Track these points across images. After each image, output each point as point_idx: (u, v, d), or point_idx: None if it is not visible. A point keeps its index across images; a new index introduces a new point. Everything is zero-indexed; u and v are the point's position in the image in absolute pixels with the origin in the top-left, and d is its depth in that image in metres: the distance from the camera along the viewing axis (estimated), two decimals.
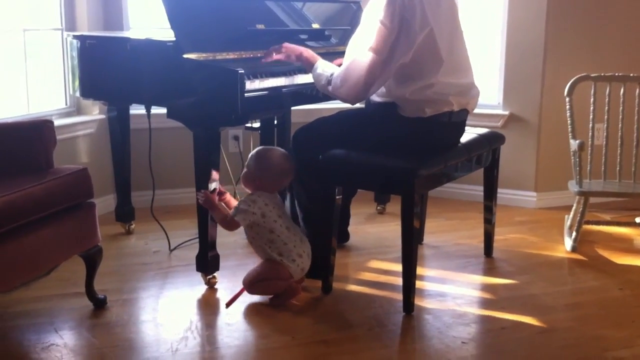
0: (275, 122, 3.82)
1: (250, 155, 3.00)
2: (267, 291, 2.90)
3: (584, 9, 4.11)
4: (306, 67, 3.05)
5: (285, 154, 3.02)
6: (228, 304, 2.87)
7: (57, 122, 3.24)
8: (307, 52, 3.06)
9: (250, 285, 2.90)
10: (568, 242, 3.57)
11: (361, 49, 2.81)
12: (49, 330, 2.64)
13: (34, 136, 2.81)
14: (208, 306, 2.91)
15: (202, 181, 2.94)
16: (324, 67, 2.97)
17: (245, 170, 2.99)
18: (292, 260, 2.88)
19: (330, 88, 2.92)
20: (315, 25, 3.55)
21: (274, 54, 3.05)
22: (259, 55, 3.12)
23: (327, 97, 3.22)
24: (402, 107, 2.88)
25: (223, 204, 2.99)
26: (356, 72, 2.81)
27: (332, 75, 2.90)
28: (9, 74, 3.69)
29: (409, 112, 2.88)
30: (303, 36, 3.44)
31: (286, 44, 3.07)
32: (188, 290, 3.03)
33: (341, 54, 3.37)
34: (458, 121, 3.01)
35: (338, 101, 3.17)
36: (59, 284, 3.00)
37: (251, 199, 2.89)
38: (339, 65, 3.15)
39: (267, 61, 3.05)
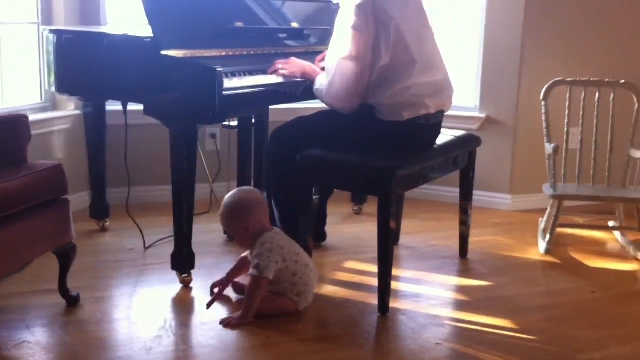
0: (253, 120, 3.81)
1: (223, 219, 2.84)
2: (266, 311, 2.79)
3: (562, 13, 4.15)
4: (310, 82, 3.11)
5: (240, 189, 2.95)
6: (209, 305, 2.84)
7: (32, 117, 3.20)
8: (310, 68, 3.13)
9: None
10: (542, 245, 3.60)
11: (340, 60, 2.83)
12: (21, 328, 2.61)
13: (8, 131, 2.77)
14: (183, 305, 2.89)
15: (178, 179, 2.92)
16: (321, 81, 3.02)
17: (232, 235, 2.86)
18: (306, 301, 2.80)
19: (325, 102, 2.99)
20: (295, 25, 3.54)
21: (280, 70, 3.10)
22: (237, 53, 3.12)
23: (305, 97, 3.23)
24: (380, 111, 2.90)
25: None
26: (343, 84, 2.86)
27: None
28: None
29: (386, 115, 2.89)
30: (282, 35, 3.44)
31: (292, 60, 3.13)
32: (163, 288, 3.01)
33: (320, 53, 3.38)
34: (435, 122, 3.04)
35: (316, 101, 3.18)
36: (31, 280, 2.96)
37: (266, 249, 2.72)
38: (322, 60, 3.18)
39: (271, 73, 3.09)
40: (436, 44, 3.05)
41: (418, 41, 2.90)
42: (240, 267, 2.94)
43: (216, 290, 2.92)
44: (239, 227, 2.80)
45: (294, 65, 3.11)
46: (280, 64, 3.11)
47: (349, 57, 2.81)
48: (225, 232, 3.62)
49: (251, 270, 2.72)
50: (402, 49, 2.84)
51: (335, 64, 2.88)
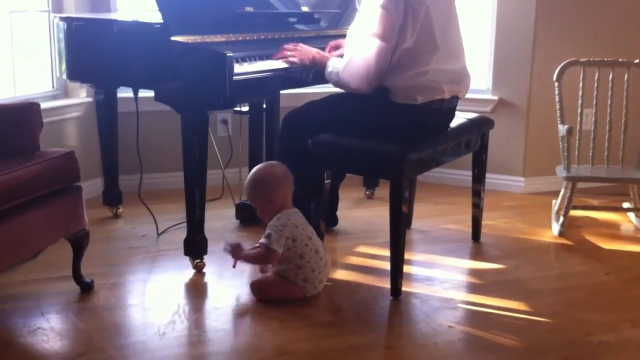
0: (264, 106, 3.80)
1: (248, 189, 2.83)
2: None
3: None
4: (320, 68, 3.06)
5: (270, 162, 2.93)
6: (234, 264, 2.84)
7: (44, 105, 3.21)
8: (319, 54, 3.09)
9: (260, 298, 2.79)
10: (555, 227, 3.58)
11: (365, 38, 2.80)
12: (35, 314, 2.63)
13: (20, 119, 2.78)
14: (196, 290, 2.90)
15: (190, 165, 2.93)
16: (334, 64, 2.97)
17: (254, 206, 2.82)
18: (313, 288, 2.79)
19: (341, 82, 2.94)
20: (305, 8, 3.52)
21: (288, 57, 3.06)
22: (247, 38, 3.11)
23: (316, 81, 3.21)
24: (394, 93, 2.88)
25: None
26: (364, 62, 2.82)
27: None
28: None
29: (400, 98, 2.87)
30: (292, 19, 3.42)
31: (300, 46, 3.10)
32: (176, 274, 3.03)
33: (331, 37, 3.37)
34: (449, 108, 3.02)
35: (327, 85, 3.17)
36: (45, 267, 2.99)
37: (281, 224, 2.72)
38: (336, 46, 3.16)
39: (277, 59, 3.06)
40: (460, 34, 3.02)
41: (444, 29, 2.87)
42: None
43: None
44: (264, 198, 2.80)
45: (302, 52, 3.09)
46: (288, 51, 3.09)
47: (374, 35, 2.78)
48: (237, 218, 3.64)
49: (262, 239, 2.72)
50: (427, 35, 2.81)
51: (358, 41, 2.85)
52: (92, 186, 3.91)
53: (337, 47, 3.28)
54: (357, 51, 2.85)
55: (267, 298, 2.75)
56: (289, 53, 3.08)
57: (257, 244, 2.76)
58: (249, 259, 2.79)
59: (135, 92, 3.34)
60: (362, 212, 3.87)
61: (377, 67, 2.82)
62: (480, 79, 4.24)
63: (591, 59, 3.69)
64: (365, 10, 2.85)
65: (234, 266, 2.84)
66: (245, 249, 2.81)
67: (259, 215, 2.86)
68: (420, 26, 2.78)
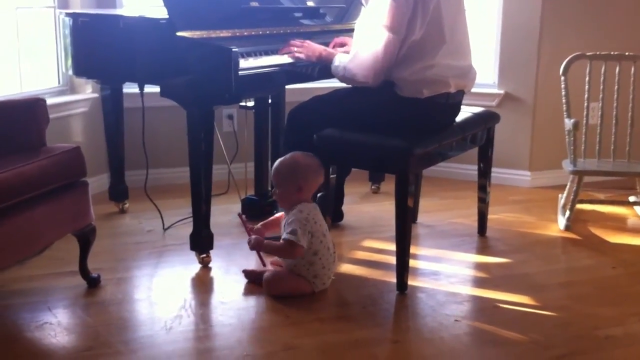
0: (270, 101, 3.80)
1: (283, 170, 2.81)
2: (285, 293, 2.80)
3: None
4: (327, 64, 3.05)
5: (309, 153, 2.86)
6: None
7: (50, 101, 3.22)
8: (326, 51, 3.08)
9: (272, 293, 2.79)
10: (562, 221, 3.57)
11: (373, 29, 2.79)
12: (42, 309, 2.64)
13: (26, 115, 2.79)
14: (202, 285, 2.91)
15: (196, 161, 2.93)
16: (341, 59, 2.97)
17: (279, 189, 2.80)
18: (322, 284, 2.80)
19: (348, 75, 2.92)
20: (310, 3, 3.52)
21: (295, 53, 3.06)
22: (253, 33, 3.10)
23: (322, 76, 3.21)
24: (400, 87, 2.88)
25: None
26: (372, 53, 2.81)
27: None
28: (1, 52, 3.66)
29: (406, 92, 2.87)
30: (297, 14, 3.42)
31: (308, 43, 3.09)
32: (182, 269, 3.03)
33: (336, 32, 3.36)
34: (454, 102, 3.01)
35: (333, 80, 3.16)
36: (52, 262, 3.00)
37: (304, 218, 2.72)
38: (341, 44, 3.15)
39: (283, 53, 3.05)
40: (467, 32, 3.01)
41: (452, 24, 2.86)
42: (275, 223, 2.92)
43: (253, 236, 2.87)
44: (295, 184, 2.78)
45: (309, 49, 3.08)
46: (295, 47, 3.09)
47: (382, 26, 2.78)
48: (242, 213, 3.63)
49: (286, 235, 2.70)
50: (435, 28, 2.81)
51: (366, 32, 2.84)
52: (98, 182, 3.92)
53: (342, 45, 3.27)
54: (365, 43, 2.84)
55: (277, 293, 2.76)
56: (295, 49, 3.07)
57: (282, 239, 2.74)
58: (272, 251, 2.81)
59: (141, 88, 3.34)
60: (368, 207, 3.87)
61: (385, 59, 2.81)
62: (486, 73, 4.23)
63: (598, 53, 3.67)
64: (374, 2, 2.84)
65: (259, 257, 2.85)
66: (268, 241, 2.81)
67: (277, 199, 2.86)
68: (429, 19, 2.78)
